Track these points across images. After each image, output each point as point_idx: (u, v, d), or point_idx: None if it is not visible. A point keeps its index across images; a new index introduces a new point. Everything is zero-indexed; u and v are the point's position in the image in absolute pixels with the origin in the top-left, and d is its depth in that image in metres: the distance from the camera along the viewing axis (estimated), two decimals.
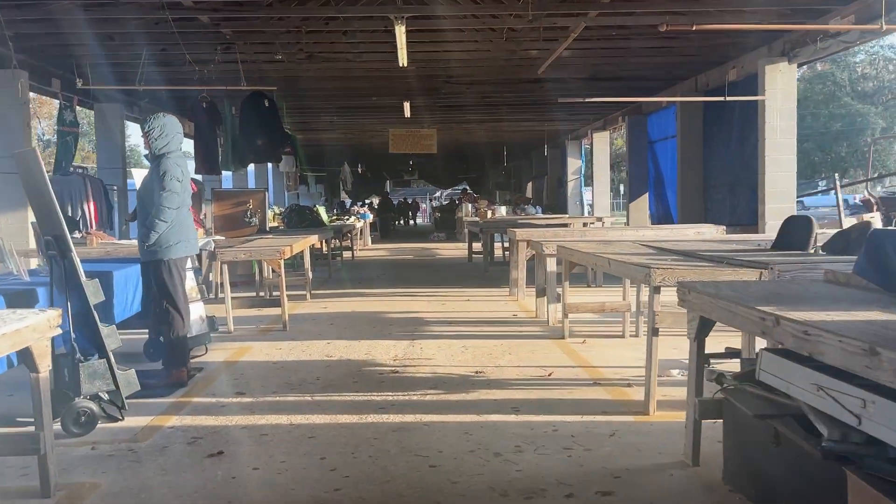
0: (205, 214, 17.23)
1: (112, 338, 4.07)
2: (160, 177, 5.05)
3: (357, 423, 4.06)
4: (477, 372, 5.19)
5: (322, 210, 17.73)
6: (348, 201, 31.94)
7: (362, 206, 25.54)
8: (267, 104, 9.70)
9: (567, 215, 19.29)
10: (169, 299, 5.10)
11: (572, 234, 8.96)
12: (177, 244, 5.15)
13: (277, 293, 9.68)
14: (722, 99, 10.03)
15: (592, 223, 16.81)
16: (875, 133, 36.83)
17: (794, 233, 4.95)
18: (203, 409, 4.45)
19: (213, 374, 5.39)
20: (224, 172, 22.69)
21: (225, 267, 7.14)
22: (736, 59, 10.82)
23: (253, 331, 7.13)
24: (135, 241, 9.25)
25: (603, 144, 18.49)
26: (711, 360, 5.30)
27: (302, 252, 9.28)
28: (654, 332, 4.00)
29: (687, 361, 4.91)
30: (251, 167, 24.50)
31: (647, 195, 15.82)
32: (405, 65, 9.71)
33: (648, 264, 4.09)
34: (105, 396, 4.11)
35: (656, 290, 3.97)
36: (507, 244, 13.73)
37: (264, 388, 4.93)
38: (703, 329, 3.17)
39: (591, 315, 6.96)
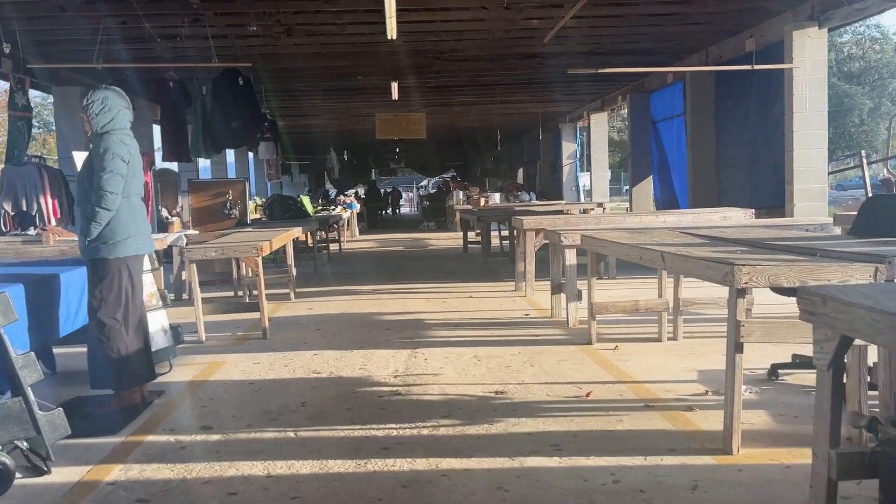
0: (181, 207, 16.26)
1: (29, 369, 3.11)
2: (101, 155, 4.08)
3: (355, 474, 3.13)
4: (497, 392, 4.27)
5: (306, 200, 16.75)
6: (334, 191, 30.97)
7: (350, 196, 24.54)
8: (241, 83, 8.69)
9: (564, 201, 18.44)
10: (106, 308, 4.13)
11: (586, 222, 8.06)
12: (126, 240, 4.18)
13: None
14: (749, 68, 9.11)
15: (593, 209, 15.93)
16: (863, 114, 36.27)
17: (883, 215, 4.06)
18: (157, 452, 3.50)
19: (176, 399, 4.44)
20: (202, 162, 21.52)
21: (194, 266, 6.15)
22: (754, 27, 9.92)
23: (228, 340, 6.16)
24: None
25: (601, 126, 17.59)
26: (780, 372, 4.47)
27: (284, 247, 8.31)
28: (737, 347, 3.09)
29: (753, 373, 4.04)
30: (230, 155, 23.48)
31: (650, 179, 14.95)
32: (393, 37, 8.70)
33: (729, 260, 3.17)
34: (24, 445, 3.15)
35: (740, 292, 3.06)
36: (504, 234, 12.86)
37: (237, 419, 3.98)
38: (840, 352, 2.27)
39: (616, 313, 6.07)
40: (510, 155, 30.08)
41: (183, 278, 8.84)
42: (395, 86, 13.27)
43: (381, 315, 7.10)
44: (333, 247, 14.97)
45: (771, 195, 9.90)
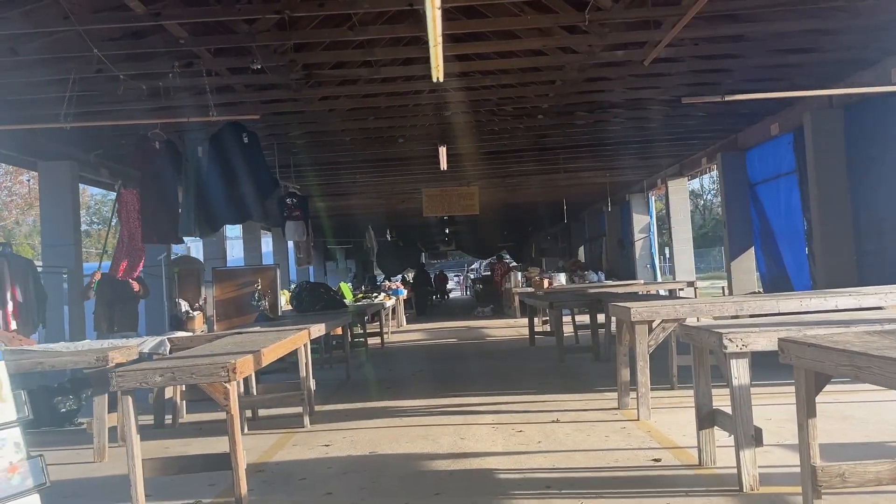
0: (204, 299, 14.38)
1: None
2: None
3: None
4: None
5: (346, 287, 14.70)
6: (380, 276, 29.07)
7: (395, 281, 22.50)
8: (246, 140, 6.73)
9: (641, 281, 15.96)
10: None
11: (721, 308, 5.65)
12: None
13: (264, 412, 6.53)
14: None
15: (681, 290, 13.44)
16: None
17: None
18: None
19: None
20: (233, 248, 19.70)
21: (129, 401, 3.89)
22: None
23: None
24: (56, 346, 6.22)
25: (680, 194, 15.23)
26: None
27: (294, 354, 6.09)
28: None
29: None
30: (267, 242, 21.83)
31: (751, 252, 12.41)
32: (440, 78, 6.70)
33: None
34: None
35: None
36: (581, 321, 10.43)
37: None
38: None
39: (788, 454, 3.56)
40: (569, 232, 27.79)
41: (167, 396, 6.69)
42: (442, 152, 11.29)
43: (428, 460, 4.72)
44: (375, 341, 12.73)
45: None
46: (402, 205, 19.42)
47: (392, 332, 15.08)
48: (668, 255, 19.75)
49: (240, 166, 6.68)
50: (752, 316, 5.39)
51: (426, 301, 23.38)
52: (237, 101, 7.77)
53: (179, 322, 12.26)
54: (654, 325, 5.41)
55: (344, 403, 7.10)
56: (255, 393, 6.37)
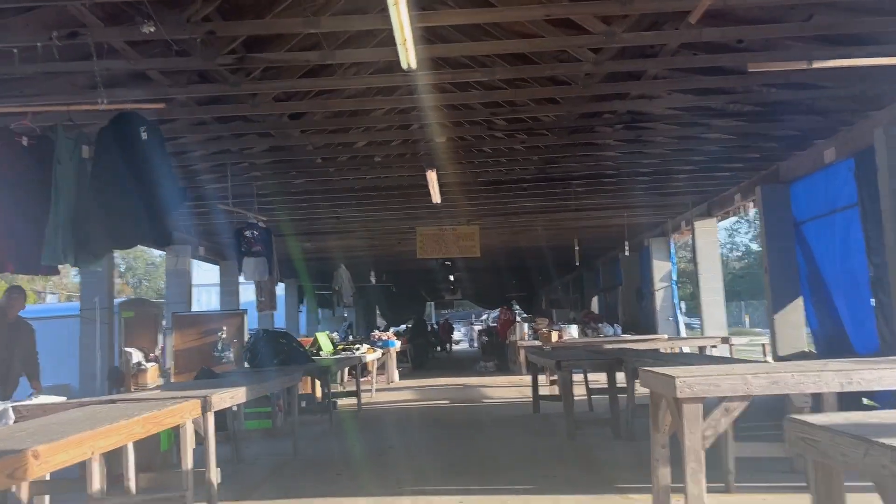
0: (161, 349, 12.56)
1: None
2: None
3: None
4: None
5: (324, 338, 12.80)
6: (382, 326, 27.11)
7: (385, 330, 20.58)
8: (144, 136, 4.96)
9: (665, 336, 13.97)
10: None
11: (807, 378, 3.72)
12: None
13: None
14: None
15: (713, 346, 11.45)
16: None
17: None
18: None
19: None
20: (182, 279, 17.66)
21: None
22: None
23: None
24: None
25: (709, 237, 13.32)
26: None
27: (174, 435, 4.17)
28: None
29: None
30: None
31: (799, 303, 10.43)
32: (411, 66, 4.94)
33: None
34: None
35: None
36: (595, 381, 8.49)
37: None
38: None
39: None
40: (581, 281, 25.83)
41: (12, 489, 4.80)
42: (432, 179, 9.51)
43: None
44: (345, 403, 10.77)
45: None
46: (398, 247, 17.63)
47: (377, 391, 13.10)
48: (683, 308, 17.75)
49: (134, 171, 4.89)
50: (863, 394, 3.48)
51: (425, 353, 21.36)
52: (159, 97, 6.03)
53: (119, 376, 10.40)
54: (723, 410, 3.48)
55: (270, 500, 5.15)
56: (132, 487, 4.43)
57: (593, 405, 8.85)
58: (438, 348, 28.42)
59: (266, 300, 9.94)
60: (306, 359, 9.21)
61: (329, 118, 7.58)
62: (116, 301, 11.42)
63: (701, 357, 7.83)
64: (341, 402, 11.06)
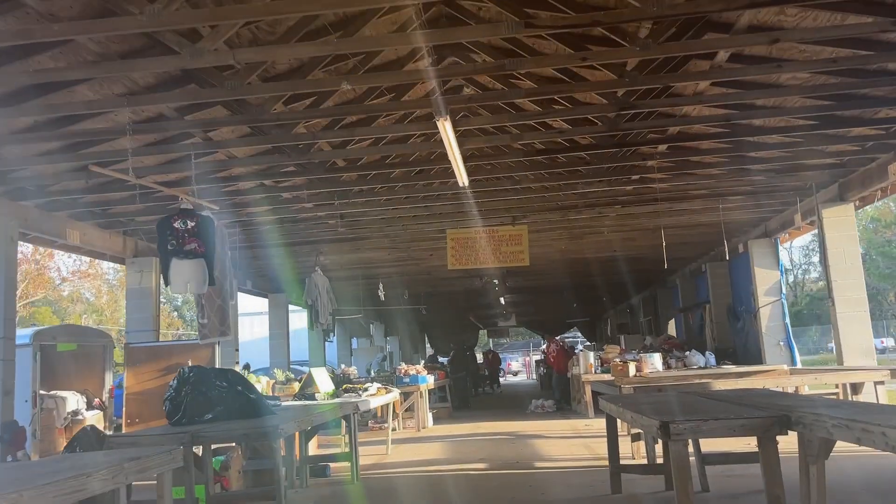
0: (110, 392, 9.80)
1: None
2: None
3: None
4: None
5: (319, 374, 9.66)
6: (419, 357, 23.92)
7: (432, 361, 17.37)
8: None
9: (784, 366, 10.36)
10: None
11: None
12: None
13: None
14: None
15: (881, 382, 7.87)
16: None
17: None
18: None
19: None
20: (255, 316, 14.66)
21: None
22: None
23: None
24: None
25: (844, 229, 9.69)
26: None
27: None
28: None
29: None
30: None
31: None
32: None
33: None
34: None
35: None
36: (715, 444, 5.04)
37: None
38: None
39: None
40: (654, 301, 22.13)
41: None
42: (445, 130, 6.26)
43: None
44: (334, 468, 7.57)
45: None
46: (430, 260, 14.51)
47: (398, 443, 9.88)
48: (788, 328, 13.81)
49: None
50: None
51: (468, 390, 17.99)
52: None
53: (17, 435, 7.49)
54: None
55: None
56: None
57: (708, 483, 5.47)
58: (489, 382, 24.98)
59: (210, 322, 6.87)
60: (262, 410, 6.06)
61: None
62: (33, 329, 8.64)
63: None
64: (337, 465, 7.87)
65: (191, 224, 6.43)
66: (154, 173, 7.47)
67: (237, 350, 13.67)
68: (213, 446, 5.92)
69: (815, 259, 46.05)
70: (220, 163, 7.37)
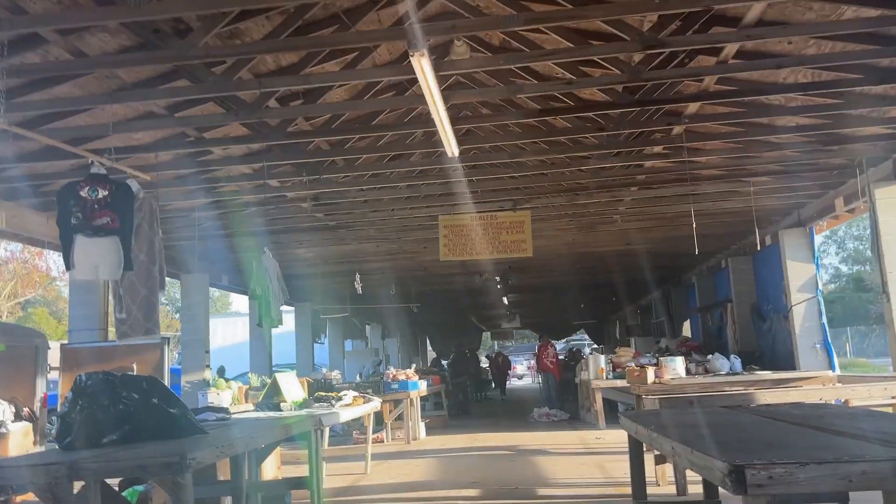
0: (42, 401, 8.49)
1: None
2: None
3: None
4: None
5: (286, 380, 8.28)
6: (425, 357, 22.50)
7: (435, 364, 15.95)
8: None
9: (830, 373, 8.97)
10: None
11: None
12: None
13: None
14: None
15: None
16: None
17: None
18: None
19: None
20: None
21: None
22: None
23: None
24: None
25: None
26: None
27: None
28: None
29: None
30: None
31: None
32: None
33: None
34: None
35: None
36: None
37: None
38: None
39: None
40: (668, 300, 20.69)
41: None
42: (424, 70, 4.88)
43: None
44: (297, 496, 6.20)
45: None
46: (423, 254, 13.14)
47: (379, 460, 8.52)
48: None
49: None
50: None
51: (467, 395, 16.61)
52: None
53: None
54: None
55: None
56: None
57: None
58: (493, 386, 23.57)
59: (133, 319, 5.51)
60: (189, 430, 4.70)
61: None
62: None
63: None
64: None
65: (103, 193, 5.09)
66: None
67: (208, 352, 12.33)
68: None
69: (827, 261, 44.43)
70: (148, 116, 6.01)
